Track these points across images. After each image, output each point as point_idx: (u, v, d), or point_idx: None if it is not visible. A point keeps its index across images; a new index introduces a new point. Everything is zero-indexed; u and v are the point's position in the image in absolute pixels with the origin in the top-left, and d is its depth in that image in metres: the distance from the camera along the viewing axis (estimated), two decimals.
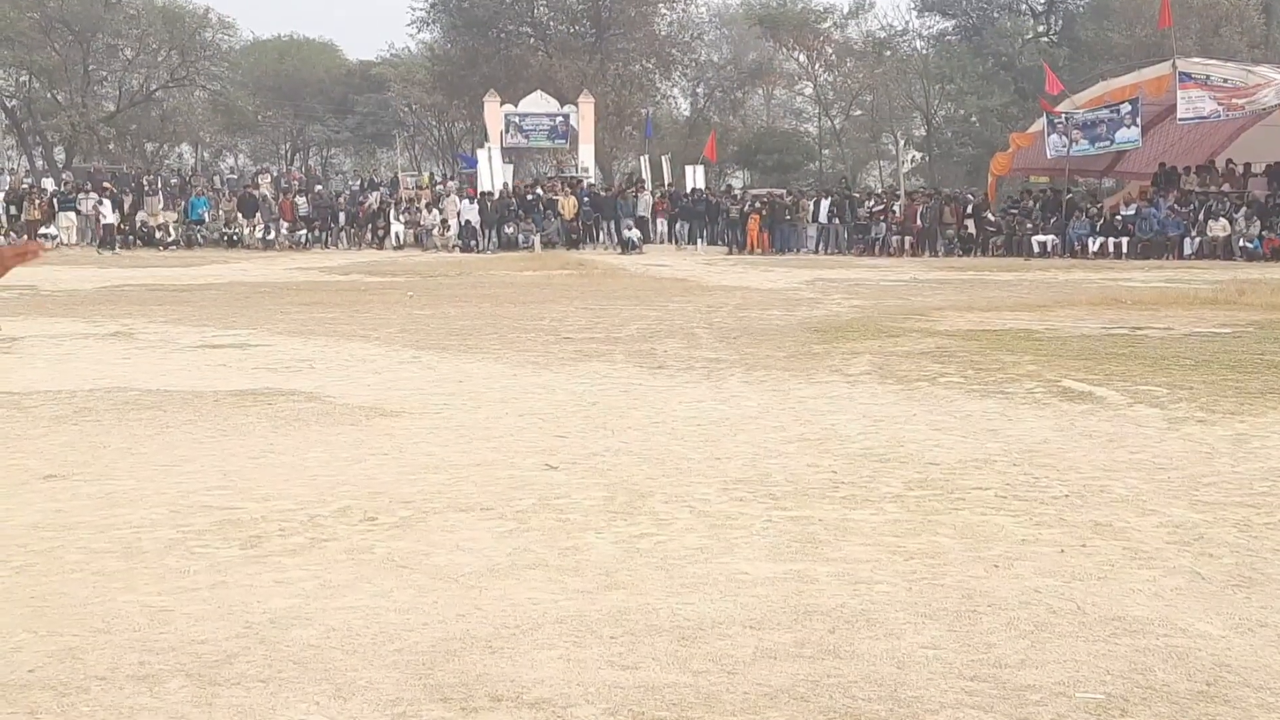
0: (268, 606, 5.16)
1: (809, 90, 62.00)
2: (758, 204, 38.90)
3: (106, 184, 40.95)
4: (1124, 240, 33.25)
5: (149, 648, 4.67)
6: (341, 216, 40.29)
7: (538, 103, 46.05)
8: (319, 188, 44.23)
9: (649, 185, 42.65)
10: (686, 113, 63.83)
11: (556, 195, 40.00)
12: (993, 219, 36.25)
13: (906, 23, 72.39)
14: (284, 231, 39.24)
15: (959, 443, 8.58)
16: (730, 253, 36.87)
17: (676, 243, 39.36)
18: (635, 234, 37.34)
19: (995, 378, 11.50)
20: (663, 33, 56.39)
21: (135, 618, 5.02)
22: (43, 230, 37.37)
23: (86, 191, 39.36)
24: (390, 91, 59.11)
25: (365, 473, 7.71)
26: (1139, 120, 34.60)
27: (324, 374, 12.10)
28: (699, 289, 23.42)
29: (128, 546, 6.06)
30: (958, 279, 25.90)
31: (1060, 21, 59.27)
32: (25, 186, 40.92)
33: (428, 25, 57.79)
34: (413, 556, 5.89)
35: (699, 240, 39.12)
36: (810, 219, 37.97)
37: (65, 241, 37.45)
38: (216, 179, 49.16)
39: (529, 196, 40.13)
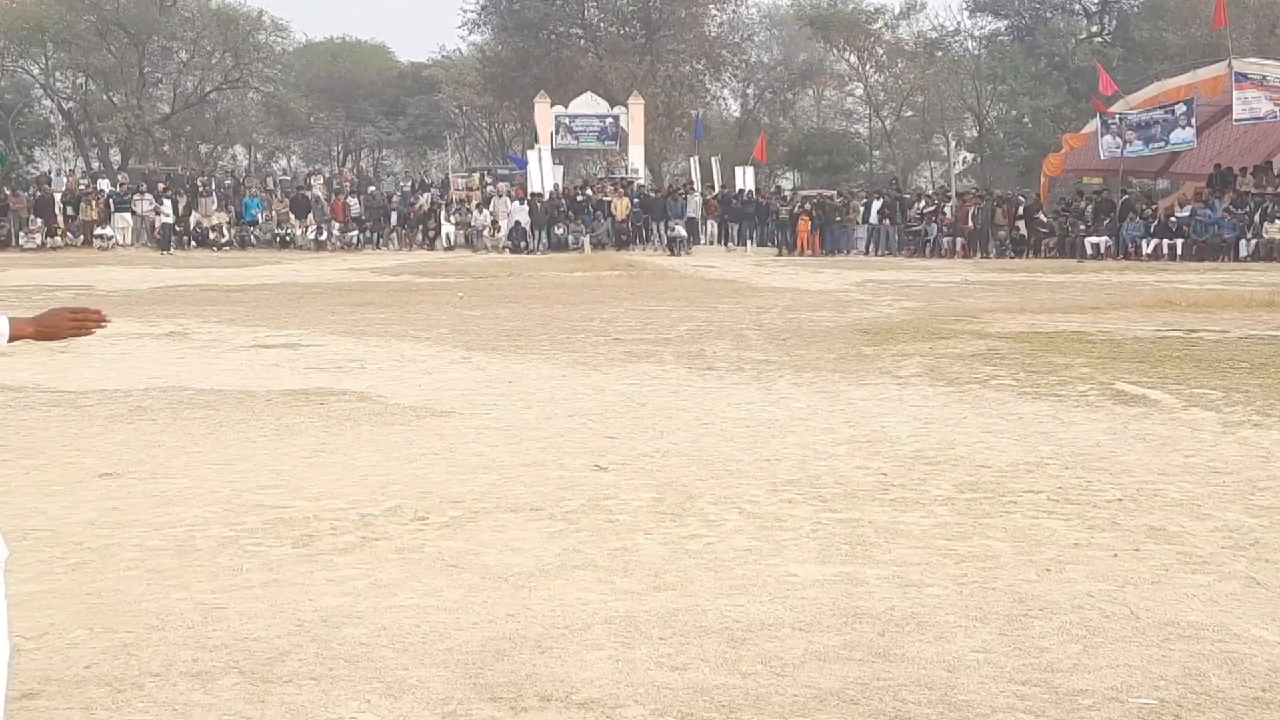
0: (319, 605, 5.20)
1: (860, 91, 61.67)
2: (808, 205, 38.80)
3: (163, 184, 41.40)
4: (1178, 242, 32.88)
5: (202, 645, 4.72)
6: (393, 217, 40.52)
7: (588, 104, 46.11)
8: (372, 189, 44.44)
9: (699, 186, 42.59)
10: (736, 114, 63.70)
11: (608, 196, 40.05)
12: (1045, 220, 35.98)
13: (958, 23, 71.77)
14: (336, 232, 39.51)
15: (1010, 445, 8.53)
16: (780, 254, 36.78)
17: (726, 244, 39.32)
18: (681, 230, 37.28)
19: (1047, 380, 11.42)
20: (713, 34, 56.26)
21: (189, 615, 5.07)
22: (99, 231, 37.83)
23: (142, 193, 39.80)
24: (441, 93, 59.36)
25: (416, 472, 7.76)
26: (1194, 121, 34.26)
27: (375, 374, 12.18)
28: (748, 290, 23.39)
29: (181, 544, 6.12)
30: (1009, 281, 25.73)
31: (1114, 21, 58.66)
32: (82, 188, 41.41)
33: (478, 27, 57.98)
34: (463, 556, 5.92)
35: (749, 241, 39.06)
36: (860, 220, 37.85)
37: (120, 242, 37.89)
38: (269, 180, 49.53)
39: (579, 197, 40.22)
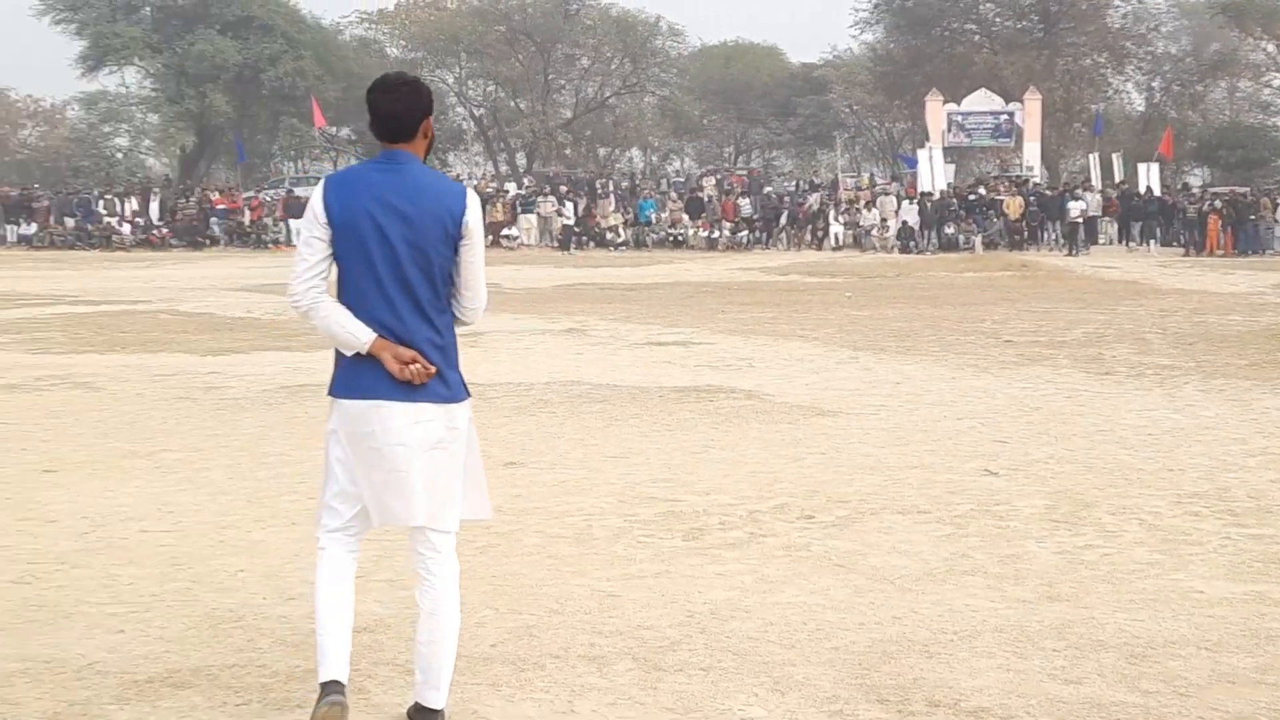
0: (708, 597, 5.31)
1: (1278, 82, 57.88)
2: (1218, 203, 36.68)
3: (565, 186, 43.24)
4: None
5: (598, 630, 4.90)
6: (782, 217, 40.87)
7: (981, 101, 45.23)
8: (768, 189, 44.93)
9: (1098, 184, 41.01)
10: (1140, 108, 60.88)
11: (1001, 195, 39.12)
12: None
13: None
14: (726, 232, 40.15)
15: None
16: (1187, 254, 34.96)
17: (1127, 244, 37.71)
18: (1083, 204, 35.95)
19: None
20: (1116, 25, 53.96)
21: (586, 601, 5.28)
22: (505, 231, 39.80)
23: (545, 194, 41.65)
24: (831, 93, 59.39)
25: (802, 471, 7.80)
26: None
27: (763, 372, 12.32)
28: (1151, 292, 22.34)
29: (579, 533, 6.38)
30: None
31: None
32: (490, 190, 43.71)
33: (870, 26, 57.64)
34: (849, 556, 5.92)
35: (1152, 241, 37.33)
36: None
37: (525, 242, 39.76)
38: (663, 181, 50.86)
39: (970, 196, 39.44)
